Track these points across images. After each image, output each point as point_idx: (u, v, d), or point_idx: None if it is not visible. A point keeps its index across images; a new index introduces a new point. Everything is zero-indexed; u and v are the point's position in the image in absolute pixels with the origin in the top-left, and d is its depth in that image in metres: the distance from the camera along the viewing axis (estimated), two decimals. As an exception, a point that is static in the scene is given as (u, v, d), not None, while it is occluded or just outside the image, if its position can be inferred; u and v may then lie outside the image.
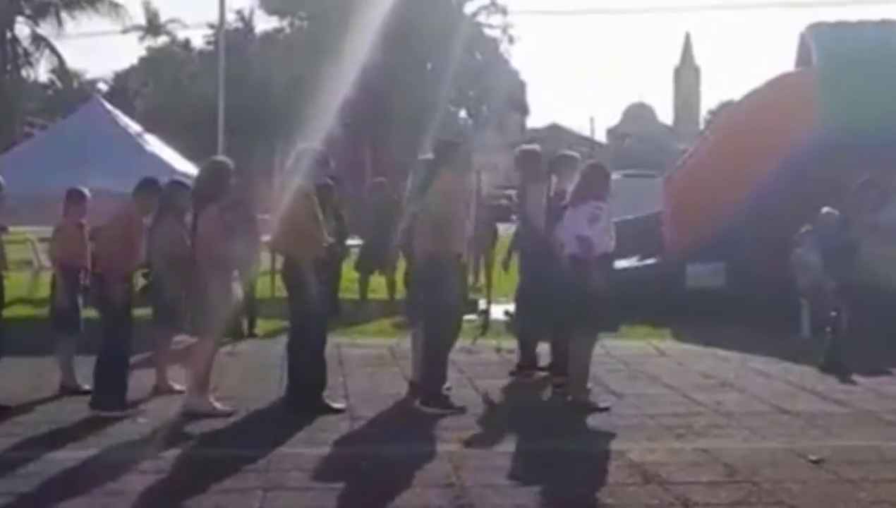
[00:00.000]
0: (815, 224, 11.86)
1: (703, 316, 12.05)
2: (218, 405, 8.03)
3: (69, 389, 8.66)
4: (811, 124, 13.09)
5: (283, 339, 8.66)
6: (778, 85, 14.65)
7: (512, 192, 43.63)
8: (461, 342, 9.15)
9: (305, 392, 8.08)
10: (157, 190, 8.63)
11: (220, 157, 8.76)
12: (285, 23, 49.31)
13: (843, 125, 12.65)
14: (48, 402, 8.46)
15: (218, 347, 8.53)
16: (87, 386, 8.35)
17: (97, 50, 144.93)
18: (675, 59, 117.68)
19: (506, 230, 16.40)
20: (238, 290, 12.02)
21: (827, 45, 14.38)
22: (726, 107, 40.40)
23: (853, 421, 7.95)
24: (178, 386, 8.53)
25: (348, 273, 14.35)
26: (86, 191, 9.15)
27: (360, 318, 13.26)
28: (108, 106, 17.10)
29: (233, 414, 7.95)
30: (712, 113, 69.04)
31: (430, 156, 8.89)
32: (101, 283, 8.31)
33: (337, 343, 10.33)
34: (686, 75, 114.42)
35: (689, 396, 8.80)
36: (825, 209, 11.77)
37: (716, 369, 10.12)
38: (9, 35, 45.05)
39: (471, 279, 9.68)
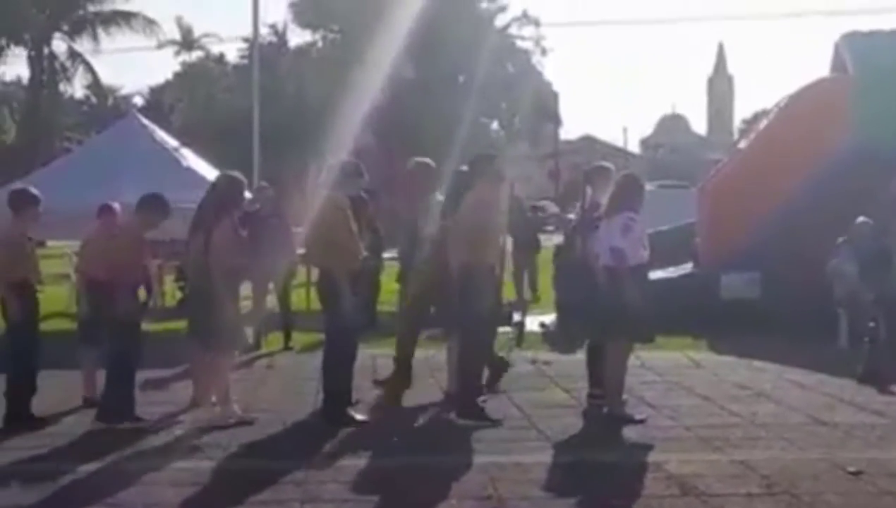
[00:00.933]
0: (851, 233, 11.77)
1: (739, 326, 11.98)
2: (239, 411, 8.19)
3: (91, 401, 8.69)
4: (846, 133, 13.00)
5: (320, 353, 8.68)
6: (813, 91, 14.55)
7: (545, 203, 43.43)
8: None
9: (331, 403, 8.14)
10: (160, 206, 8.50)
11: (234, 172, 8.78)
12: (318, 36, 49.51)
13: (878, 135, 12.56)
14: (80, 414, 8.53)
15: (230, 358, 8.57)
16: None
17: (133, 65, 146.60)
18: (709, 69, 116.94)
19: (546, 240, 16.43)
20: (272, 302, 12.16)
21: (862, 55, 14.28)
22: (760, 116, 40.17)
23: (893, 433, 7.87)
24: (215, 398, 8.58)
25: (389, 285, 14.37)
26: (115, 206, 9.25)
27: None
28: (145, 120, 17.26)
29: (254, 422, 8.04)
30: (746, 122, 68.49)
31: (463, 168, 8.91)
32: (108, 295, 8.35)
33: (373, 354, 10.36)
34: (719, 85, 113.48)
35: (726, 407, 8.76)
36: (860, 218, 11.69)
37: (752, 380, 10.06)
38: (46, 51, 45.52)
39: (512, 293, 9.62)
